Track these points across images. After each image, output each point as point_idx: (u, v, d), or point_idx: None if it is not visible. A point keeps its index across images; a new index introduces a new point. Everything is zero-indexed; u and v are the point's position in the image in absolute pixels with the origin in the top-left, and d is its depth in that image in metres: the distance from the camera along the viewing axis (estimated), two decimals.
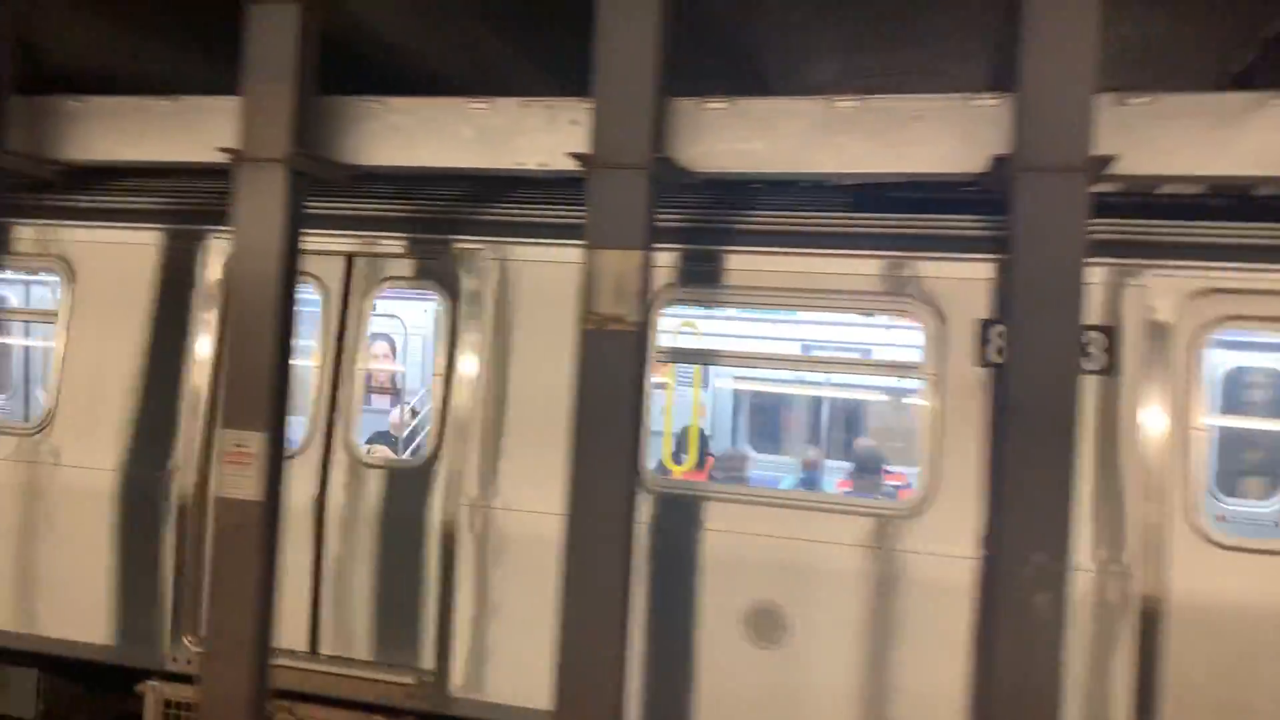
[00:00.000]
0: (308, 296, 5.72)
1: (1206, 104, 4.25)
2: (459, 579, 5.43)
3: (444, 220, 5.73)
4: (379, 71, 6.58)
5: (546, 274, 5.45)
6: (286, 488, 5.09)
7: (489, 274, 5.56)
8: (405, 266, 5.79)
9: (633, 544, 4.51)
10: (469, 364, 5.56)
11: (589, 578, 4.43)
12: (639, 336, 4.47)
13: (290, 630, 5.63)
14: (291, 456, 5.57)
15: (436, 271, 5.70)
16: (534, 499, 5.32)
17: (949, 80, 6.37)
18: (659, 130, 4.54)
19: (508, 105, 4.94)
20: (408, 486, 5.61)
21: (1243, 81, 6.24)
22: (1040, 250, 4.05)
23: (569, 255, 5.22)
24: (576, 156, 4.57)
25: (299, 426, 5.64)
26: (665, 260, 5.25)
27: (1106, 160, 4.06)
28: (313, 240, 5.40)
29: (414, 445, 9.13)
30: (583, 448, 4.47)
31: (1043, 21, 4.07)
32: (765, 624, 5.03)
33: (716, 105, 4.69)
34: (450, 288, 5.64)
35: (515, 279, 5.51)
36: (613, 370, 4.45)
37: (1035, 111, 4.09)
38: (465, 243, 5.64)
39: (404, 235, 5.74)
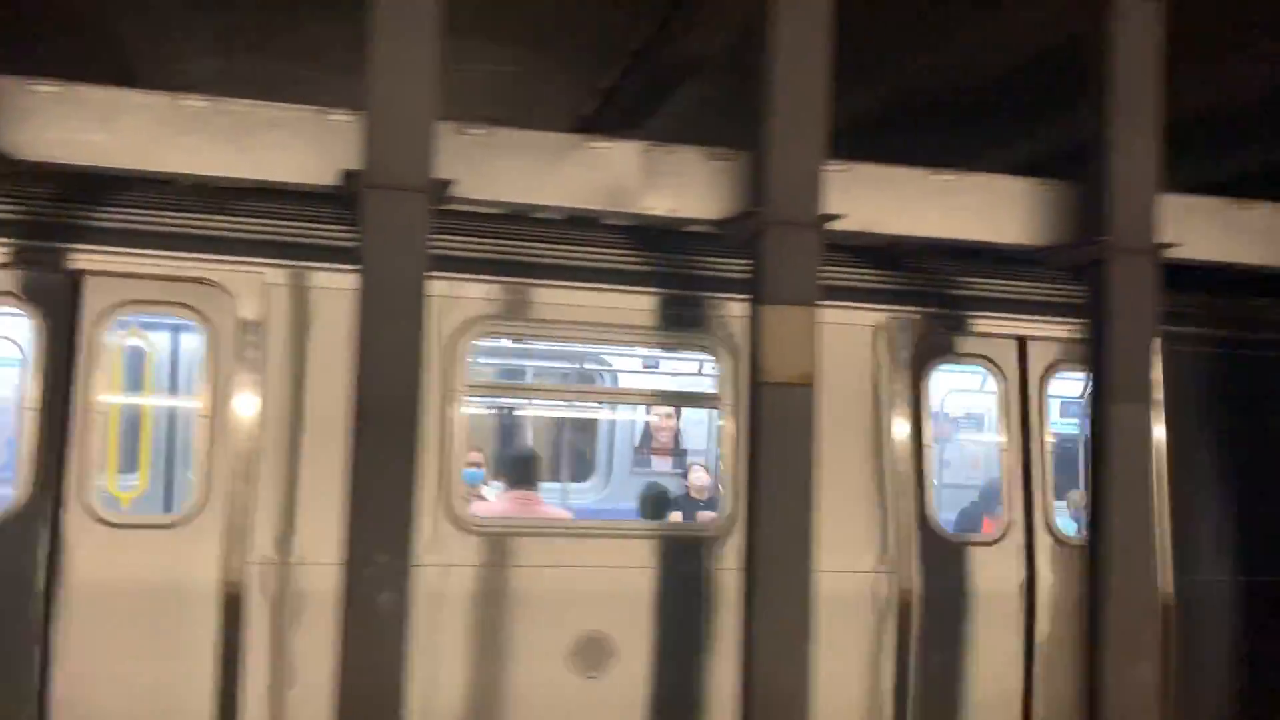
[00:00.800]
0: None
1: (536, 140, 4.76)
2: None
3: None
4: None
5: None
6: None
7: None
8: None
9: None
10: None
11: None
12: None
13: None
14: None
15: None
16: None
17: (338, 95, 6.44)
18: None
19: None
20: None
21: (590, 123, 7.16)
22: (386, 264, 4.25)
23: None
24: None
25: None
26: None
27: (446, 184, 4.38)
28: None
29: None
30: None
31: (387, 47, 4.28)
32: None
33: (47, 88, 4.25)
34: None
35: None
36: None
37: (382, 132, 4.27)
38: None
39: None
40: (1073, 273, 5.29)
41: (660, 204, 4.88)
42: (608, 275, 5.27)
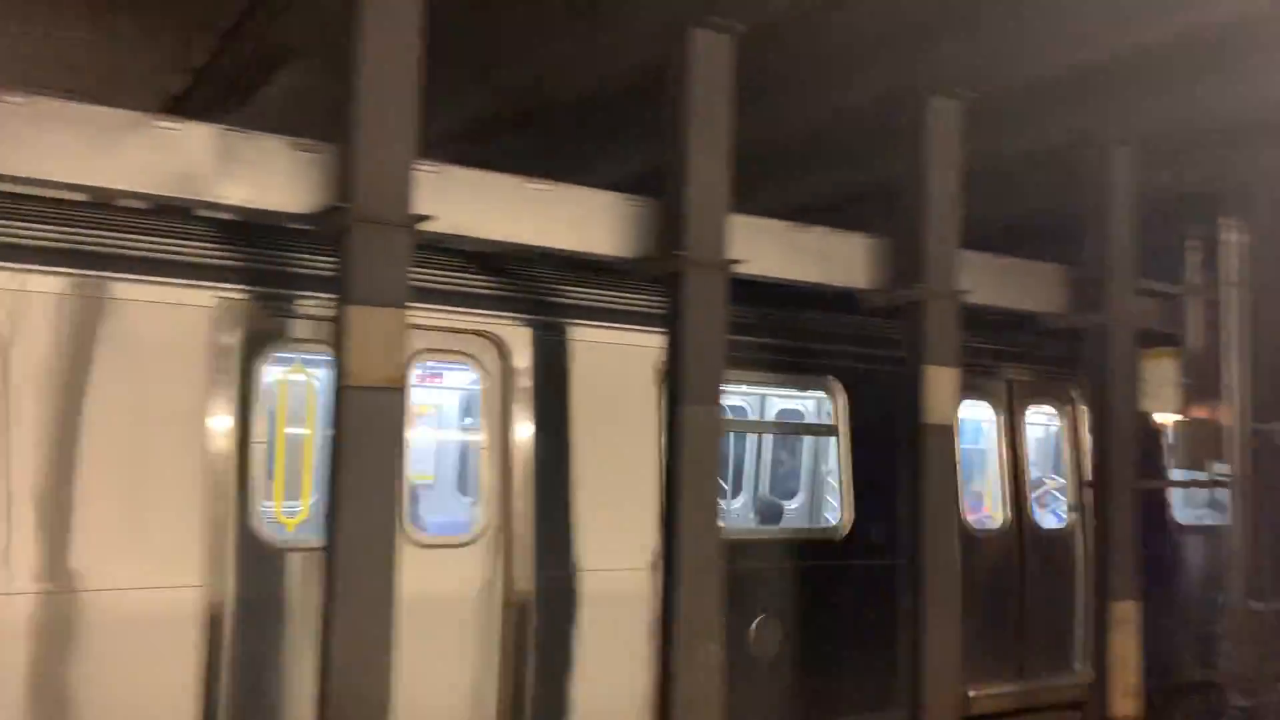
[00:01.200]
0: None
1: (91, 115, 4.28)
2: None
3: None
4: None
5: None
6: None
7: None
8: None
9: None
10: None
11: None
12: None
13: None
14: None
15: None
16: None
17: None
18: None
19: None
20: None
21: (180, 104, 6.62)
22: None
23: None
24: None
25: None
26: None
27: None
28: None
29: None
30: None
31: None
32: None
33: None
34: None
35: None
36: None
37: None
38: None
39: None
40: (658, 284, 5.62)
41: (235, 193, 4.57)
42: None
